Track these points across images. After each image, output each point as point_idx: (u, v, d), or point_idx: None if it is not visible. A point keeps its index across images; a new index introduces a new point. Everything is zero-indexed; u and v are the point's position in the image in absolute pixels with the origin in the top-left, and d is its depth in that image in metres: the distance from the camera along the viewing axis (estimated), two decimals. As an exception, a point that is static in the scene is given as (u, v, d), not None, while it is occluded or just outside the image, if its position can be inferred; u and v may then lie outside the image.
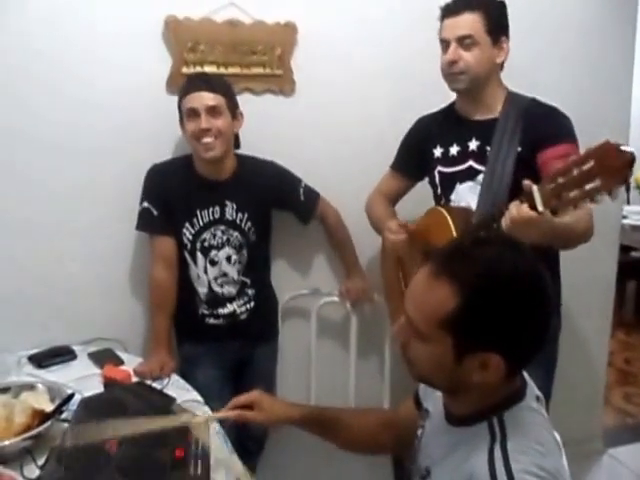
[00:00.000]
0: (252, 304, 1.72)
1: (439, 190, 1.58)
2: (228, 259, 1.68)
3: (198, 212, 1.64)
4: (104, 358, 1.60)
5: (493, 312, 0.78)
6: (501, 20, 1.45)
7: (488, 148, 1.46)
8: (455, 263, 0.81)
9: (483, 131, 1.48)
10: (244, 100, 1.63)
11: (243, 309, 1.71)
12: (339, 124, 1.89)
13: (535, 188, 1.11)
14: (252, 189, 1.68)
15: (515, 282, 0.79)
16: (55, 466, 1.05)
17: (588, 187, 0.99)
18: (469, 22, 1.41)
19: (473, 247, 0.83)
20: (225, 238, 1.67)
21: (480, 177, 1.48)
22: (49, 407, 1.22)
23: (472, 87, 1.46)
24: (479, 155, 1.48)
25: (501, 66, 1.48)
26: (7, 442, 1.10)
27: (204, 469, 1.09)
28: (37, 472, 1.07)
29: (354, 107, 1.89)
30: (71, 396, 1.25)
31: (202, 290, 1.68)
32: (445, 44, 1.45)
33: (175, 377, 1.55)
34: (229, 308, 1.70)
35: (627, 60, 2.16)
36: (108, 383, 1.44)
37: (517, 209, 1.15)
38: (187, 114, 1.55)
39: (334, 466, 1.85)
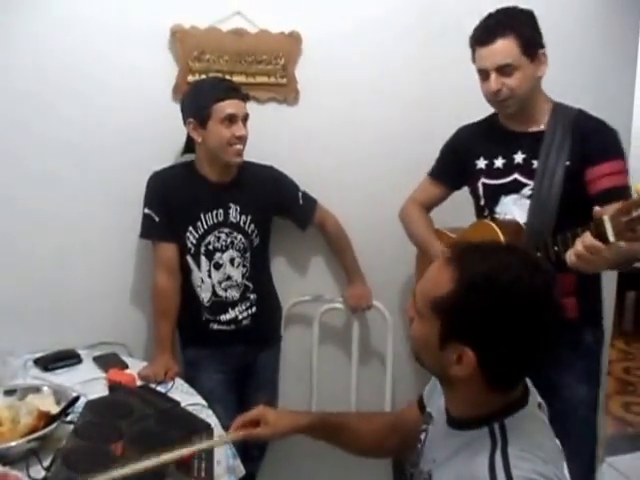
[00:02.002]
0: (254, 309, 1.74)
1: (482, 201, 1.56)
2: (232, 261, 1.69)
3: (202, 215, 1.66)
4: (109, 362, 1.61)
5: (479, 310, 0.79)
6: (534, 34, 1.42)
7: (534, 161, 1.44)
8: (466, 255, 0.84)
9: (529, 144, 1.46)
10: (248, 108, 1.65)
11: (245, 314, 1.72)
12: (342, 133, 1.91)
13: (606, 218, 1.09)
14: (254, 192, 1.70)
15: (510, 293, 0.79)
16: (61, 467, 1.06)
17: None
18: (505, 49, 1.37)
19: (496, 251, 0.86)
20: (229, 241, 1.68)
21: (525, 190, 1.46)
22: (55, 409, 1.23)
23: (519, 108, 1.44)
24: (525, 168, 1.46)
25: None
26: (13, 443, 1.12)
27: (208, 472, 1.10)
28: (43, 473, 1.08)
29: (357, 116, 1.91)
30: (76, 399, 1.27)
31: (206, 295, 1.70)
32: (484, 73, 1.42)
33: (179, 381, 1.57)
34: (231, 314, 1.71)
35: (629, 63, 2.17)
36: (113, 386, 1.45)
37: (583, 243, 1.13)
38: (223, 119, 1.55)
39: (334, 470, 1.86)
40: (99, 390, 1.44)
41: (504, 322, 0.79)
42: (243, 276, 1.71)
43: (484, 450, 0.82)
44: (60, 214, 1.73)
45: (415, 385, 2.00)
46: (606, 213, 1.11)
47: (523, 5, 1.69)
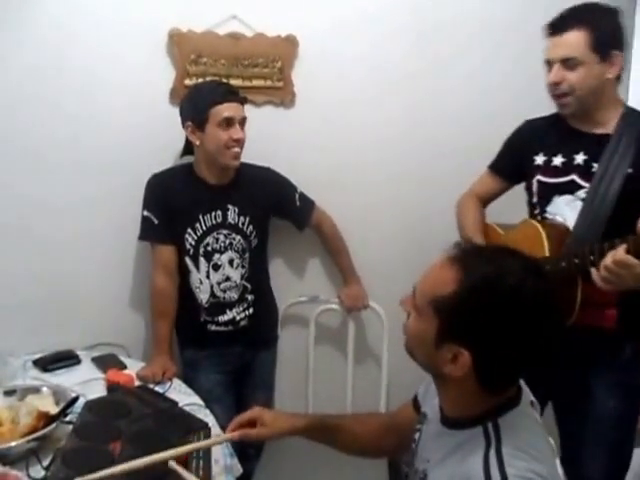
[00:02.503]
0: (251, 310, 1.75)
1: (535, 199, 1.51)
2: (231, 263, 1.70)
3: (200, 217, 1.67)
4: (107, 363, 1.63)
5: (480, 313, 0.80)
6: (612, 33, 1.36)
7: (595, 164, 1.38)
8: (472, 257, 0.85)
9: (593, 146, 1.39)
10: (245, 111, 1.66)
11: (242, 315, 1.74)
12: (338, 135, 1.92)
13: None
14: (252, 193, 1.71)
15: (512, 298, 0.80)
16: (60, 467, 1.07)
17: None
18: (573, 41, 1.33)
19: (500, 254, 0.86)
20: (228, 242, 1.69)
21: (581, 192, 1.40)
22: (54, 410, 1.24)
23: (581, 108, 1.39)
24: (584, 170, 1.40)
25: (618, 78, 1.39)
26: (13, 443, 1.13)
27: (205, 471, 1.11)
28: (42, 473, 1.10)
29: (353, 118, 1.92)
30: (76, 399, 1.28)
31: (204, 297, 1.71)
32: (549, 65, 1.39)
33: (177, 381, 1.58)
34: (229, 315, 1.72)
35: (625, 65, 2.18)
36: (111, 387, 1.46)
37: (614, 257, 1.11)
38: (220, 122, 1.57)
39: (330, 469, 1.87)
40: (98, 390, 1.45)
41: (503, 326, 0.80)
42: (242, 277, 1.73)
43: (478, 449, 0.82)
44: (59, 216, 1.74)
45: (410, 385, 2.00)
46: None
47: (519, 4, 1.68)
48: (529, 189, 1.54)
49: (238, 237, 1.70)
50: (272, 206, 1.78)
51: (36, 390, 1.34)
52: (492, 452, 0.81)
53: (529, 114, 1.59)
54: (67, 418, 1.25)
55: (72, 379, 1.52)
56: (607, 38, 1.35)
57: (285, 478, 2.04)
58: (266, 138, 1.79)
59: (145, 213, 1.68)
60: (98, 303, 1.80)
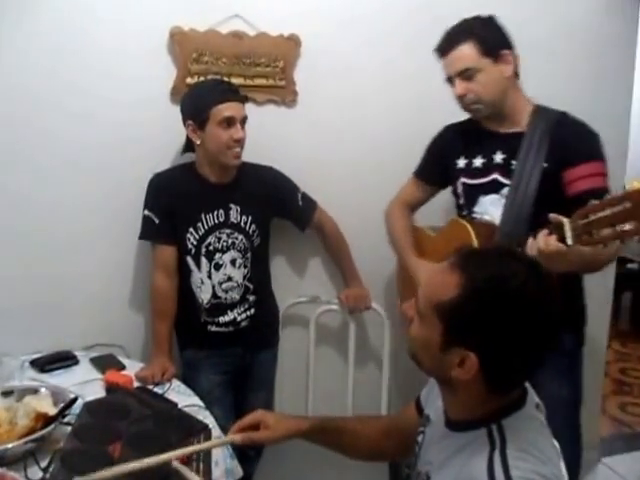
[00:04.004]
0: (252, 311, 1.74)
1: (462, 200, 1.57)
2: (233, 262, 1.69)
3: (202, 216, 1.66)
4: (106, 363, 1.61)
5: (485, 316, 0.80)
6: (496, 34, 1.44)
7: (514, 162, 1.44)
8: (473, 261, 0.85)
9: (509, 144, 1.46)
10: (247, 110, 1.65)
11: (243, 316, 1.73)
12: (340, 135, 1.92)
13: (566, 221, 1.10)
14: (254, 192, 1.70)
15: (517, 300, 0.80)
16: (58, 468, 1.06)
17: (620, 228, 0.99)
18: (464, 54, 1.41)
19: (501, 255, 0.86)
20: (230, 241, 1.68)
21: (505, 190, 1.46)
22: (52, 411, 1.23)
23: (493, 111, 1.45)
24: (504, 168, 1.47)
25: (516, 75, 1.46)
26: (10, 445, 1.11)
27: (206, 474, 1.11)
28: (40, 474, 1.08)
29: (355, 119, 1.91)
30: (74, 400, 1.27)
31: (205, 297, 1.70)
32: (451, 81, 1.46)
33: (176, 382, 1.57)
34: (230, 316, 1.71)
35: (628, 64, 2.18)
36: (110, 388, 1.45)
37: (545, 240, 1.14)
38: (220, 121, 1.56)
39: (331, 471, 1.86)
40: (96, 391, 1.44)
41: (509, 328, 0.80)
42: (244, 277, 1.71)
43: (482, 451, 0.82)
44: (57, 215, 1.72)
45: (412, 386, 1.99)
46: (565, 218, 1.11)
47: (520, 5, 1.69)
48: (455, 192, 1.61)
49: (240, 236, 1.69)
50: (274, 206, 1.77)
51: (34, 391, 1.32)
52: (496, 454, 0.81)
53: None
54: (66, 419, 1.23)
55: (70, 380, 1.51)
56: (493, 41, 1.42)
57: (285, 479, 2.03)
58: (267, 137, 1.78)
59: (146, 212, 1.67)
60: (97, 303, 1.79)
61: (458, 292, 0.81)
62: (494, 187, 1.48)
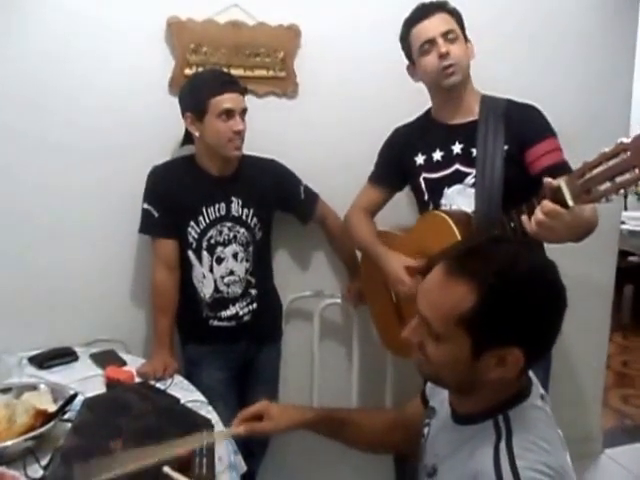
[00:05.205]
0: (254, 305, 1.72)
1: (426, 196, 1.57)
2: (235, 256, 1.67)
3: (204, 209, 1.64)
4: (106, 359, 1.59)
5: (511, 309, 0.79)
6: (463, 23, 1.49)
7: (473, 150, 1.47)
8: (472, 262, 0.82)
9: (465, 134, 1.49)
10: (247, 101, 1.63)
11: (246, 310, 1.71)
12: (341, 126, 1.90)
13: (563, 183, 1.09)
14: (255, 185, 1.68)
15: (532, 279, 0.80)
16: (59, 466, 1.04)
17: (621, 179, 0.99)
18: (447, 19, 1.45)
19: (489, 246, 0.85)
20: (232, 235, 1.66)
21: (468, 179, 1.48)
22: (52, 408, 1.21)
23: (462, 82, 1.47)
24: (464, 158, 1.49)
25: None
26: (9, 442, 1.09)
27: (209, 469, 1.09)
28: (41, 472, 1.06)
29: (356, 110, 1.90)
30: (74, 396, 1.25)
31: (207, 291, 1.68)
32: (429, 44, 1.45)
33: (178, 378, 1.55)
34: (232, 310, 1.69)
35: (628, 65, 2.18)
36: (111, 384, 1.43)
37: (544, 207, 1.12)
38: (219, 113, 1.53)
39: (336, 467, 1.86)
40: (96, 388, 1.42)
41: (535, 307, 0.80)
42: (246, 271, 1.69)
43: (488, 442, 0.82)
44: (56, 210, 1.70)
45: (416, 379, 1.99)
46: (561, 180, 1.11)
47: (524, 4, 1.68)
48: (417, 189, 1.61)
49: (242, 230, 1.67)
50: (276, 198, 1.75)
51: (33, 387, 1.30)
52: (502, 445, 0.80)
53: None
54: (66, 416, 1.21)
55: (70, 376, 1.49)
56: (463, 25, 1.48)
57: (290, 475, 2.02)
58: (268, 129, 1.76)
59: (145, 206, 1.64)
60: (96, 298, 1.77)
61: (475, 298, 0.79)
62: (457, 177, 1.50)
